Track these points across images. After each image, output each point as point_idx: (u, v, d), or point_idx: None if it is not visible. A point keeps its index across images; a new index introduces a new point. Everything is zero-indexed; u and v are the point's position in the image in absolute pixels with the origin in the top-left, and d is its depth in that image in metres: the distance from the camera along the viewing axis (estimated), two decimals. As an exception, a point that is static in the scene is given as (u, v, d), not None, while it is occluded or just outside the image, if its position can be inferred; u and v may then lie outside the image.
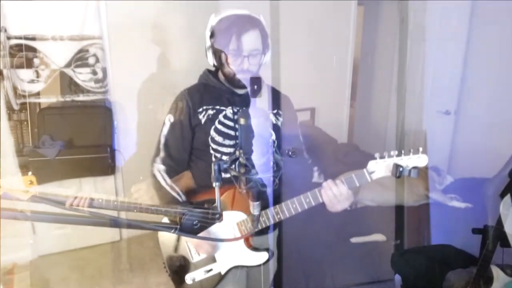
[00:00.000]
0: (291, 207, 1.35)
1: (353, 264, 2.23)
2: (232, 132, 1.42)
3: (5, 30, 2.51)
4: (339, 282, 2.16)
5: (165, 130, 1.47)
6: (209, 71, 1.51)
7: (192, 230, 0.90)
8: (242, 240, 1.44)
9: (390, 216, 2.45)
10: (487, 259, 1.59)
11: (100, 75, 2.80)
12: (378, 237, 2.35)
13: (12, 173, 2.38)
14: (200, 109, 1.43)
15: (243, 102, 1.46)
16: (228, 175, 1.03)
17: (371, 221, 2.44)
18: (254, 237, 1.48)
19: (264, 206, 1.37)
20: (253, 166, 0.81)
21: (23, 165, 2.53)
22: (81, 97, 2.78)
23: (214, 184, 0.89)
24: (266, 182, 0.84)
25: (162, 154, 1.47)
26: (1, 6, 2.45)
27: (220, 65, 1.41)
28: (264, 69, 1.47)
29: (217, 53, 1.38)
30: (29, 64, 2.61)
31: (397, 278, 2.08)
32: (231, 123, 1.42)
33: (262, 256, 1.44)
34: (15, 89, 2.60)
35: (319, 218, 2.13)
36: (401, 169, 1.20)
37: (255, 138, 0.81)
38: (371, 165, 1.27)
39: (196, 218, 0.89)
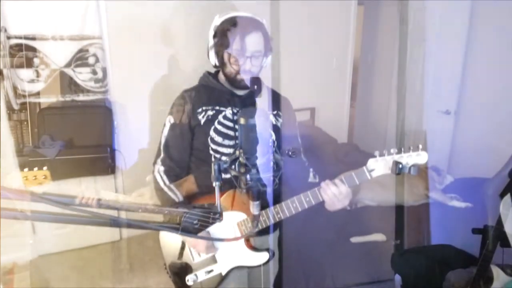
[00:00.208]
0: (291, 206, 1.35)
1: (353, 264, 2.23)
2: (231, 133, 1.42)
3: (5, 30, 2.51)
4: (339, 282, 2.16)
5: (166, 131, 1.47)
6: (209, 73, 1.52)
7: (192, 230, 0.90)
8: (242, 241, 1.44)
9: (390, 216, 2.45)
10: (487, 259, 1.59)
11: (100, 75, 2.80)
12: (378, 237, 2.35)
13: (12, 173, 2.38)
14: (200, 110, 1.43)
15: (243, 103, 1.47)
16: (228, 175, 1.03)
17: (371, 221, 2.44)
18: (254, 237, 1.49)
19: (264, 206, 1.37)
20: (253, 166, 0.81)
21: (23, 165, 2.52)
22: (81, 97, 2.78)
23: (214, 184, 0.89)
24: (266, 182, 0.84)
25: (162, 155, 1.47)
26: (1, 6, 2.45)
27: (222, 65, 1.42)
28: (264, 69, 1.47)
29: (219, 53, 1.39)
30: (29, 64, 2.61)
31: (397, 278, 2.08)
32: (230, 124, 1.43)
33: (263, 257, 1.44)
34: (15, 89, 2.60)
35: (319, 218, 2.13)
36: (400, 166, 1.20)
37: (256, 138, 0.81)
38: (371, 163, 1.28)
39: (196, 218, 0.89)
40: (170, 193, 1.44)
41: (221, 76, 1.48)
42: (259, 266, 1.46)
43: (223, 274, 1.46)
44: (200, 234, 0.92)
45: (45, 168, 1.35)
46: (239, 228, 1.40)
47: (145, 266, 2.73)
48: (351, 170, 1.33)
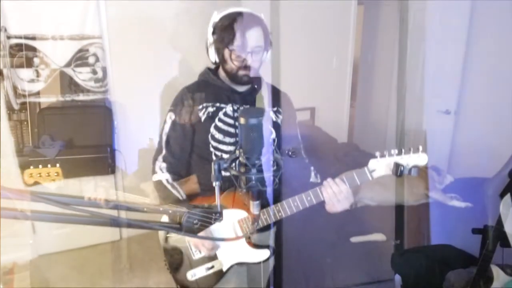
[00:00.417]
0: (292, 204, 1.35)
1: (353, 264, 2.23)
2: (232, 130, 1.42)
3: (5, 30, 2.51)
4: (339, 282, 2.16)
5: (166, 128, 1.47)
6: (209, 69, 1.51)
7: (192, 230, 0.90)
8: (243, 238, 1.44)
9: (390, 215, 2.44)
10: (487, 259, 1.59)
11: (100, 74, 2.80)
12: (378, 236, 2.35)
13: (12, 173, 2.38)
14: (200, 107, 1.43)
15: (243, 100, 1.47)
16: (228, 174, 1.02)
17: (371, 221, 2.44)
18: (255, 235, 1.49)
19: (264, 205, 1.37)
20: (253, 165, 0.81)
21: (23, 165, 2.53)
22: (81, 97, 2.78)
23: (214, 184, 0.89)
24: (266, 181, 0.84)
25: (164, 152, 1.47)
26: (1, 6, 2.45)
27: (222, 62, 1.41)
28: (264, 68, 1.47)
29: (220, 49, 1.38)
30: (29, 63, 2.61)
31: (397, 278, 2.08)
32: (231, 121, 1.42)
33: (264, 254, 1.45)
34: (15, 88, 2.60)
35: (319, 218, 2.13)
36: (402, 168, 1.20)
37: (256, 138, 0.81)
38: (372, 163, 1.28)
39: (196, 217, 0.89)
40: (173, 191, 1.44)
41: (221, 72, 1.48)
42: (260, 263, 1.46)
43: (224, 270, 1.46)
44: (201, 233, 0.92)
45: (57, 165, 1.38)
46: (240, 226, 1.41)
47: (145, 266, 2.72)
48: (351, 170, 1.34)
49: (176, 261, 1.48)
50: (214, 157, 1.43)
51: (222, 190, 1.40)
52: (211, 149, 1.43)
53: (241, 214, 1.40)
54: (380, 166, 1.27)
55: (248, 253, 1.44)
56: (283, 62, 2.85)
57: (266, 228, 1.45)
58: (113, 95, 2.86)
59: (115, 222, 0.84)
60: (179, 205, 1.35)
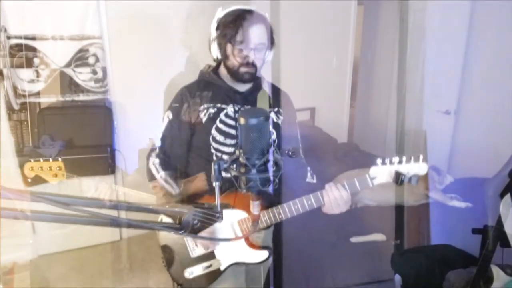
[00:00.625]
0: (292, 208, 1.36)
1: (353, 264, 2.23)
2: (233, 131, 1.42)
3: (5, 30, 2.51)
4: (339, 282, 2.16)
5: (164, 126, 1.47)
6: (210, 66, 1.51)
7: (192, 230, 0.90)
8: (242, 238, 1.45)
9: (390, 216, 2.44)
10: (487, 259, 1.59)
11: (100, 74, 2.80)
12: (378, 236, 2.35)
13: (12, 173, 2.38)
14: (201, 108, 1.43)
15: (245, 100, 1.46)
16: (228, 175, 1.02)
17: (371, 220, 2.44)
18: (254, 235, 1.49)
19: (265, 206, 1.37)
20: (253, 166, 0.81)
21: (23, 165, 2.52)
22: (81, 97, 2.78)
23: (214, 184, 0.89)
24: (265, 182, 0.84)
25: (158, 149, 1.48)
26: (1, 6, 2.45)
27: (224, 58, 1.40)
28: (264, 68, 1.47)
29: (222, 44, 1.38)
30: (29, 63, 2.61)
31: (397, 278, 2.08)
32: (232, 122, 1.42)
33: (262, 254, 1.45)
34: (15, 88, 2.60)
35: (319, 218, 2.13)
36: (402, 177, 1.22)
37: (256, 138, 0.81)
38: (373, 170, 1.29)
39: (196, 217, 0.89)
40: (166, 185, 1.43)
41: (222, 71, 1.47)
42: (258, 263, 1.46)
43: (221, 269, 1.46)
44: (201, 233, 0.92)
45: (59, 159, 1.31)
46: (240, 227, 1.40)
47: (145, 266, 2.72)
48: (351, 170, 1.34)
49: (173, 258, 1.48)
50: (215, 158, 1.43)
51: (222, 191, 1.39)
52: (212, 150, 1.43)
53: (241, 214, 1.40)
54: (381, 173, 1.29)
55: (247, 253, 1.44)
56: (283, 62, 2.84)
57: (265, 229, 1.45)
58: (113, 95, 2.86)
59: (115, 222, 0.84)
60: (175, 201, 1.36)
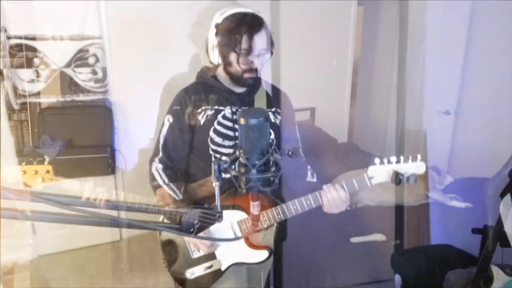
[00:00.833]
0: (291, 208, 1.36)
1: (353, 264, 2.23)
2: (231, 133, 1.42)
3: (5, 30, 2.51)
4: (339, 282, 2.15)
5: (164, 130, 1.47)
6: (207, 68, 1.50)
7: (192, 230, 0.90)
8: (242, 238, 1.45)
9: (390, 216, 2.44)
10: (487, 259, 1.59)
11: (100, 75, 2.80)
12: (378, 237, 2.35)
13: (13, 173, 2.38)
14: (199, 110, 1.43)
15: (242, 101, 1.46)
16: (228, 175, 1.02)
17: (371, 221, 2.44)
18: (254, 235, 1.49)
19: (264, 206, 1.37)
20: (253, 166, 0.81)
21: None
22: (81, 97, 2.79)
23: (214, 184, 0.89)
24: (265, 182, 0.83)
25: (160, 154, 1.47)
26: (1, 6, 2.45)
27: (226, 64, 1.38)
28: (264, 68, 1.46)
29: (225, 52, 1.36)
30: (29, 64, 2.61)
31: (397, 278, 2.08)
32: (230, 124, 1.42)
33: (262, 254, 1.45)
34: (15, 89, 2.60)
35: (319, 218, 2.13)
36: (401, 176, 1.23)
37: (256, 138, 0.81)
38: (371, 170, 1.29)
39: (196, 218, 0.89)
40: (170, 192, 1.44)
41: (220, 73, 1.45)
42: (259, 263, 1.46)
43: (222, 270, 1.46)
44: (200, 233, 0.92)
45: (46, 162, 1.25)
46: (239, 227, 1.41)
47: (145, 266, 2.72)
48: (351, 170, 1.35)
49: (174, 259, 1.48)
50: (213, 160, 1.43)
51: (222, 191, 1.40)
52: (211, 152, 1.42)
53: (241, 215, 1.40)
54: (379, 173, 1.29)
55: (247, 253, 1.44)
56: (283, 62, 2.84)
57: (265, 229, 1.45)
58: (113, 95, 2.86)
59: (115, 222, 0.84)
60: (177, 205, 1.36)
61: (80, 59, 2.72)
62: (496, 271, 1.62)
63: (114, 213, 0.87)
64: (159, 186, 1.45)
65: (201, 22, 2.69)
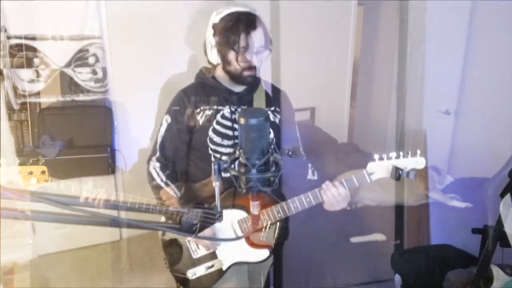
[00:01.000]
0: (291, 205, 1.36)
1: (353, 264, 2.23)
2: (230, 132, 1.42)
3: (5, 30, 2.51)
4: (339, 282, 2.16)
5: (162, 130, 1.47)
6: (205, 68, 1.51)
7: (192, 230, 0.90)
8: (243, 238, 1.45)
9: (390, 215, 2.45)
10: (487, 259, 1.59)
11: (100, 74, 2.80)
12: (378, 236, 2.35)
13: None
14: (198, 110, 1.43)
15: (240, 101, 1.46)
16: (228, 175, 1.02)
17: (371, 220, 2.44)
18: (255, 234, 1.49)
19: (264, 206, 1.37)
20: (253, 166, 0.81)
21: (23, 165, 2.52)
22: (81, 97, 2.78)
23: (214, 184, 0.89)
24: (265, 182, 0.84)
25: (158, 153, 1.48)
26: (1, 6, 2.45)
27: (225, 63, 1.39)
28: (264, 68, 1.46)
29: (223, 51, 1.36)
30: (29, 64, 2.61)
31: (397, 278, 2.08)
32: (229, 123, 1.42)
33: (263, 253, 1.45)
34: (15, 89, 2.60)
35: (319, 218, 2.13)
36: (400, 171, 1.22)
37: (256, 138, 0.81)
38: (371, 166, 1.29)
39: (196, 218, 0.89)
40: (168, 190, 1.44)
41: (218, 73, 1.46)
42: (260, 262, 1.46)
43: (223, 269, 1.47)
44: (201, 233, 0.92)
45: (40, 162, 1.20)
46: (240, 226, 1.41)
47: (145, 266, 2.72)
48: (351, 170, 1.34)
49: (176, 259, 1.48)
50: (213, 160, 1.43)
51: (222, 191, 1.40)
52: (210, 151, 1.43)
53: (241, 214, 1.40)
54: (378, 169, 1.28)
55: (248, 252, 1.44)
56: (283, 62, 2.84)
57: (266, 228, 1.45)
58: (113, 95, 2.86)
59: (115, 222, 0.84)
60: (181, 205, 1.36)
61: (80, 59, 2.72)
62: (496, 271, 1.62)
63: (114, 213, 0.87)
64: (158, 186, 1.45)
65: (202, 21, 2.69)
